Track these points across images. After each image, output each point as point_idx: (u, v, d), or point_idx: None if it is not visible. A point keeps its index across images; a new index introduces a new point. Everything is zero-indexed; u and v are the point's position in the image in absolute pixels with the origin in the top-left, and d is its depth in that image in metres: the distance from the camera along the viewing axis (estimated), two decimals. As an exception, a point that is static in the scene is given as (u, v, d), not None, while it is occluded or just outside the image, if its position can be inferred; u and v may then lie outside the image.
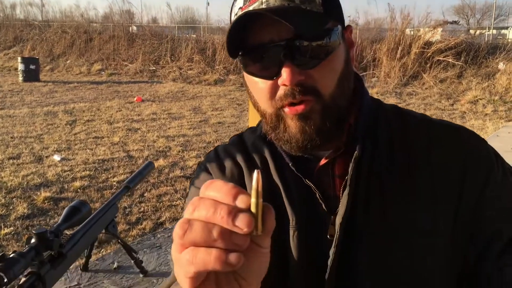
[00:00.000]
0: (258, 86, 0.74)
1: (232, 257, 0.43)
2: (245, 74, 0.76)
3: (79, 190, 5.15)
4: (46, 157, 6.29)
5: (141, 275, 1.67)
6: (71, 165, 5.96)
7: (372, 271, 0.74)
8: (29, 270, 1.26)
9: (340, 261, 0.74)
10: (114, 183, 5.38)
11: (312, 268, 0.77)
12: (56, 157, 6.23)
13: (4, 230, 4.06)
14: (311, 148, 0.74)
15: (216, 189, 0.45)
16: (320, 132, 0.72)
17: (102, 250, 2.97)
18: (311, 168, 0.79)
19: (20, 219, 4.33)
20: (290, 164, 0.79)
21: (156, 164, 5.97)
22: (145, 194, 5.11)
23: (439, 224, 0.73)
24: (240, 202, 0.44)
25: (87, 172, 5.70)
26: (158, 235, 2.00)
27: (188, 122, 8.64)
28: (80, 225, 1.54)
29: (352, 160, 0.75)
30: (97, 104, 10.32)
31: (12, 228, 4.13)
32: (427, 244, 0.73)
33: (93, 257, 2.00)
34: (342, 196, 0.74)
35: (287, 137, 0.74)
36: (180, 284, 0.48)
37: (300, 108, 0.71)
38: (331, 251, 0.74)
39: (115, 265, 1.75)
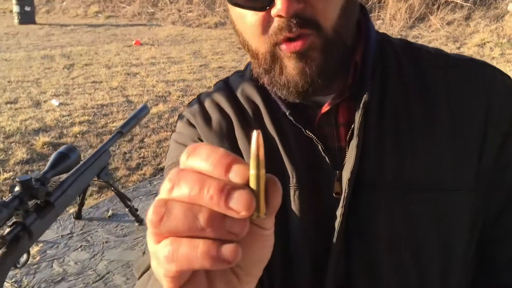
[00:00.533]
0: (247, 20, 0.62)
1: (226, 250, 0.32)
2: (230, 7, 0.64)
3: (78, 135, 5.09)
4: (44, 101, 6.19)
5: (136, 224, 1.61)
6: (69, 110, 5.87)
7: (386, 233, 0.66)
8: (13, 220, 1.19)
9: (348, 223, 0.66)
10: (113, 128, 5.30)
11: (317, 232, 0.68)
12: (54, 102, 6.12)
13: (3, 175, 4.04)
14: (312, 92, 0.64)
15: (202, 157, 0.34)
16: (322, 72, 0.62)
17: (97, 197, 3.00)
18: (311, 117, 0.69)
19: (20, 164, 4.29)
20: (287, 113, 0.69)
21: (155, 110, 5.87)
22: (145, 140, 5.05)
23: (462, 178, 0.64)
24: (236, 174, 0.33)
25: (86, 117, 5.61)
26: (155, 182, 1.94)
27: (188, 66, 8.45)
28: (69, 172, 1.47)
29: (361, 105, 0.65)
30: (95, 47, 10.07)
31: (11, 173, 4.11)
32: (450, 201, 0.64)
33: (87, 205, 1.94)
34: (348, 148, 0.65)
35: (284, 81, 0.63)
36: (160, 282, 0.37)
37: (298, 45, 0.60)
38: (338, 212, 0.65)
39: (110, 213, 1.69)
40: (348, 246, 0.67)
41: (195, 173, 0.34)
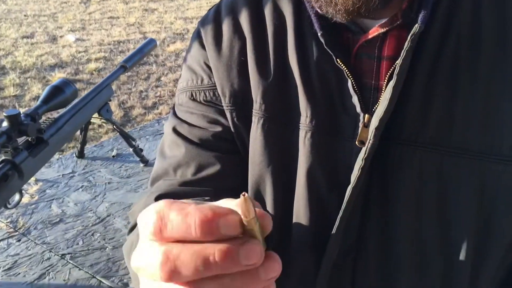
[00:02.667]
0: None
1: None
2: None
3: (94, 72, 5.00)
4: (60, 37, 6.07)
5: (141, 165, 1.52)
6: (85, 46, 5.75)
7: (412, 200, 0.53)
8: (1, 158, 1.10)
9: (368, 179, 0.54)
10: (130, 65, 5.18)
11: (328, 186, 0.56)
12: (71, 37, 6.00)
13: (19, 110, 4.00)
14: (364, 12, 0.49)
15: (178, 227, 0.30)
16: None
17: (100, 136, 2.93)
18: (349, 44, 0.55)
19: (35, 100, 4.25)
20: (319, 34, 0.54)
21: (173, 47, 5.70)
22: (162, 78, 4.94)
23: None
24: (227, 229, 0.30)
25: (102, 54, 5.50)
26: (163, 121, 1.84)
27: (207, 3, 8.14)
28: (66, 108, 1.37)
29: (409, 36, 0.49)
30: (113, -18, 9.77)
31: (27, 108, 4.06)
32: (503, 174, 0.50)
33: (90, 144, 1.86)
34: (385, 89, 0.51)
35: None
36: None
37: None
38: (357, 164, 0.52)
39: (114, 152, 1.61)
40: (362, 207, 0.55)
41: (187, 250, 0.30)
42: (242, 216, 0.30)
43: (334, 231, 0.54)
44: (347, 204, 0.53)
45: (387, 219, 0.54)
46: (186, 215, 0.30)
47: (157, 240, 0.31)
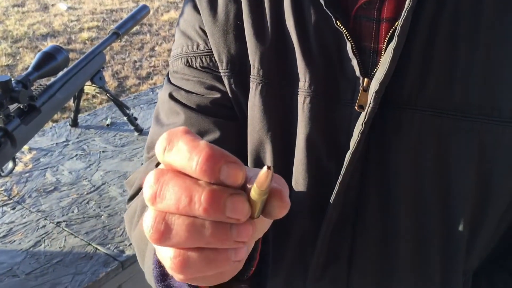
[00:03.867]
0: None
1: (240, 255, 0.32)
2: None
3: (86, 41, 4.93)
4: (52, 5, 5.96)
5: (136, 133, 1.51)
6: (78, 15, 5.65)
7: (411, 163, 0.52)
8: (-7, 125, 1.08)
9: (367, 144, 0.53)
10: (123, 35, 5.10)
11: (327, 151, 0.55)
12: (62, 6, 5.89)
13: (11, 81, 3.95)
14: None
15: (182, 154, 0.30)
16: None
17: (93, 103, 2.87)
18: (347, 6, 0.53)
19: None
20: None
21: (166, 17, 5.62)
22: (156, 48, 4.88)
23: None
24: (227, 177, 0.30)
25: (95, 23, 5.41)
26: (157, 90, 1.82)
27: (202, -29, 7.97)
28: (58, 76, 1.35)
29: None
30: (105, -51, 9.54)
31: (19, 79, 4.02)
32: (503, 136, 0.50)
33: (84, 112, 1.84)
34: (385, 51, 0.50)
35: None
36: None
37: None
38: (357, 129, 0.52)
39: (108, 121, 1.59)
40: (361, 172, 0.54)
41: (177, 179, 0.30)
42: (255, 184, 0.29)
43: (333, 196, 0.54)
44: (346, 169, 0.53)
45: (387, 184, 0.54)
46: (194, 147, 0.30)
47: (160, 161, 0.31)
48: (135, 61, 4.57)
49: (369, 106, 0.50)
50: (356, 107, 0.53)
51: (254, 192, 0.29)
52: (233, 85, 0.58)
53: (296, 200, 0.57)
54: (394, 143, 0.52)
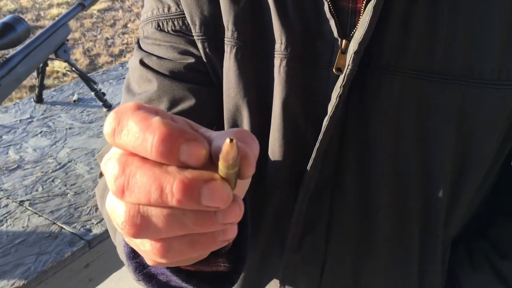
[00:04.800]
0: None
1: (228, 235, 0.29)
2: None
3: (56, 18, 4.77)
4: (19, -20, 5.74)
5: (104, 109, 1.46)
6: (47, -9, 5.46)
7: (391, 126, 0.50)
8: None
9: (345, 109, 0.51)
10: (95, 11, 4.96)
11: (305, 116, 0.53)
12: (30, -19, 5.68)
13: (-24, 58, 3.82)
14: None
15: (134, 137, 0.26)
16: None
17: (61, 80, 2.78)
18: None
19: (-6, 48, 4.05)
20: None
21: (139, -8, 5.47)
22: (129, 25, 4.77)
23: (508, 72, 0.47)
24: (189, 157, 0.26)
25: (65, -1, 5.24)
26: (127, 65, 1.76)
27: None
28: (18, 48, 1.28)
29: None
30: None
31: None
32: (483, 97, 0.48)
33: (49, 88, 1.77)
34: (363, 11, 0.48)
35: None
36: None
37: None
38: (335, 92, 0.49)
39: (75, 97, 1.53)
40: (340, 138, 0.53)
41: (144, 168, 0.26)
42: (220, 159, 0.26)
43: (310, 163, 0.52)
44: (324, 134, 0.51)
45: (365, 150, 0.52)
46: (147, 127, 0.26)
47: (113, 144, 0.27)
48: (107, 38, 4.46)
49: (347, 68, 0.48)
50: (334, 70, 0.50)
51: (223, 168, 0.26)
52: (207, 49, 0.56)
53: (272, 168, 0.56)
54: (373, 107, 0.50)
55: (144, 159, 0.27)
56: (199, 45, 0.56)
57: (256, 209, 0.58)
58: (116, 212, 0.28)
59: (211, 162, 0.27)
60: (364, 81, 0.50)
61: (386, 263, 0.58)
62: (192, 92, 0.56)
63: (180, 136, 0.26)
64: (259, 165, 0.55)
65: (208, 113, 0.57)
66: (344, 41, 0.49)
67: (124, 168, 0.27)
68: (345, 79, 0.48)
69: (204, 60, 0.56)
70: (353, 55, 0.47)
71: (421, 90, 0.49)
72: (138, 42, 0.62)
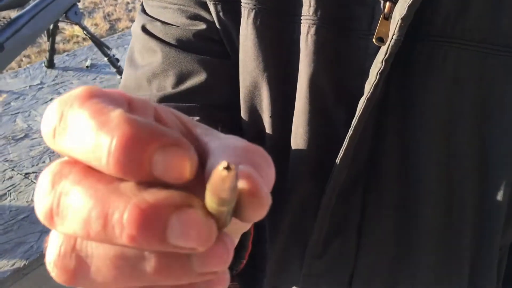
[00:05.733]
0: None
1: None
2: None
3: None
4: None
5: (118, 76, 1.38)
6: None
7: (440, 112, 0.42)
8: None
9: (386, 88, 0.42)
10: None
11: (336, 95, 0.45)
12: None
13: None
14: None
15: (83, 137, 0.17)
16: None
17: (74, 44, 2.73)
18: None
19: None
20: None
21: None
22: (150, -11, 4.67)
23: None
24: (165, 170, 0.17)
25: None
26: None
27: None
28: (25, 9, 1.20)
29: None
30: None
31: None
32: None
33: (62, 53, 1.70)
34: None
35: None
36: None
37: None
38: (375, 68, 0.41)
39: (88, 62, 1.46)
40: (377, 124, 0.44)
41: (84, 184, 0.18)
42: (208, 190, 0.17)
43: (341, 153, 0.44)
44: (359, 119, 0.43)
45: (409, 139, 0.44)
46: (102, 125, 0.18)
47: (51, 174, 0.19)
48: (128, 3, 4.41)
49: (392, 38, 0.39)
50: (374, 40, 0.42)
51: (211, 202, 0.18)
52: (221, 13, 0.47)
53: (294, 159, 0.48)
54: (421, 86, 0.42)
55: (91, 170, 0.18)
56: (211, 8, 0.48)
57: (273, 207, 0.49)
58: (48, 249, 0.20)
59: (200, 181, 0.18)
60: (412, 55, 0.42)
61: (429, 273, 0.49)
62: (202, 65, 0.49)
63: (153, 140, 0.17)
64: (278, 156, 0.47)
65: (223, 90, 0.49)
66: (388, 3, 0.41)
67: (55, 181, 0.18)
68: (388, 52, 0.40)
69: (218, 26, 0.48)
70: (400, 21, 0.39)
71: (482, 65, 0.41)
72: (142, 5, 0.54)
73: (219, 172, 0.17)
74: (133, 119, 0.17)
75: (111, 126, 0.17)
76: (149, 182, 0.18)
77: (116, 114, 0.17)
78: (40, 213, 0.19)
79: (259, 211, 0.19)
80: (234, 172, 0.17)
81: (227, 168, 0.17)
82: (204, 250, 0.18)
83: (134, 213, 0.17)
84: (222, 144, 0.20)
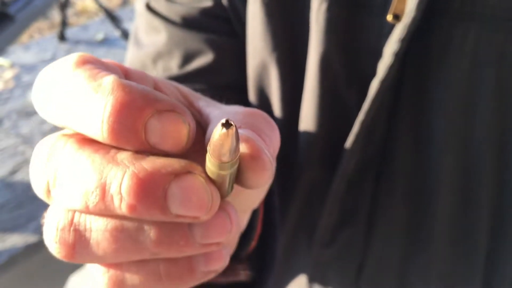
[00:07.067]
0: None
1: (214, 263, 0.20)
2: None
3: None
4: None
5: (130, 50, 1.34)
6: None
7: (457, 96, 0.39)
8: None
9: (401, 70, 0.40)
10: None
11: (347, 76, 0.43)
12: None
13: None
14: None
15: (75, 104, 0.17)
16: None
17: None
18: None
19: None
20: None
21: None
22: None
23: None
24: (161, 136, 0.17)
25: None
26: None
27: None
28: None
29: None
30: None
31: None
32: None
33: (73, 25, 1.67)
34: None
35: None
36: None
37: None
38: (390, 48, 0.39)
39: (100, 36, 1.43)
40: (391, 107, 0.42)
41: (80, 154, 0.17)
42: (208, 152, 0.17)
43: (351, 137, 0.43)
44: (372, 102, 0.41)
45: (425, 124, 0.42)
46: (95, 90, 0.17)
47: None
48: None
49: (409, 15, 0.37)
50: (388, 18, 0.39)
51: (211, 166, 0.18)
52: None
53: (303, 143, 0.47)
54: (438, 67, 0.40)
55: (86, 140, 0.18)
56: None
57: (280, 194, 0.47)
58: (46, 224, 0.20)
59: (199, 150, 0.18)
60: (429, 34, 0.39)
61: (443, 265, 0.47)
62: (209, 44, 0.47)
63: (148, 105, 0.17)
64: (286, 140, 0.44)
65: (230, 71, 0.48)
66: None
67: (52, 152, 0.18)
68: (405, 31, 0.37)
69: (225, 3, 0.47)
70: None
71: (503, 45, 0.38)
72: None
73: (219, 131, 0.16)
74: (126, 84, 0.17)
75: (103, 92, 0.16)
76: (147, 152, 0.17)
77: (109, 80, 0.17)
78: (37, 186, 0.19)
79: (261, 175, 0.18)
80: (234, 129, 0.16)
81: (227, 125, 0.16)
82: (206, 219, 0.18)
83: (132, 181, 0.16)
84: (223, 111, 0.20)
